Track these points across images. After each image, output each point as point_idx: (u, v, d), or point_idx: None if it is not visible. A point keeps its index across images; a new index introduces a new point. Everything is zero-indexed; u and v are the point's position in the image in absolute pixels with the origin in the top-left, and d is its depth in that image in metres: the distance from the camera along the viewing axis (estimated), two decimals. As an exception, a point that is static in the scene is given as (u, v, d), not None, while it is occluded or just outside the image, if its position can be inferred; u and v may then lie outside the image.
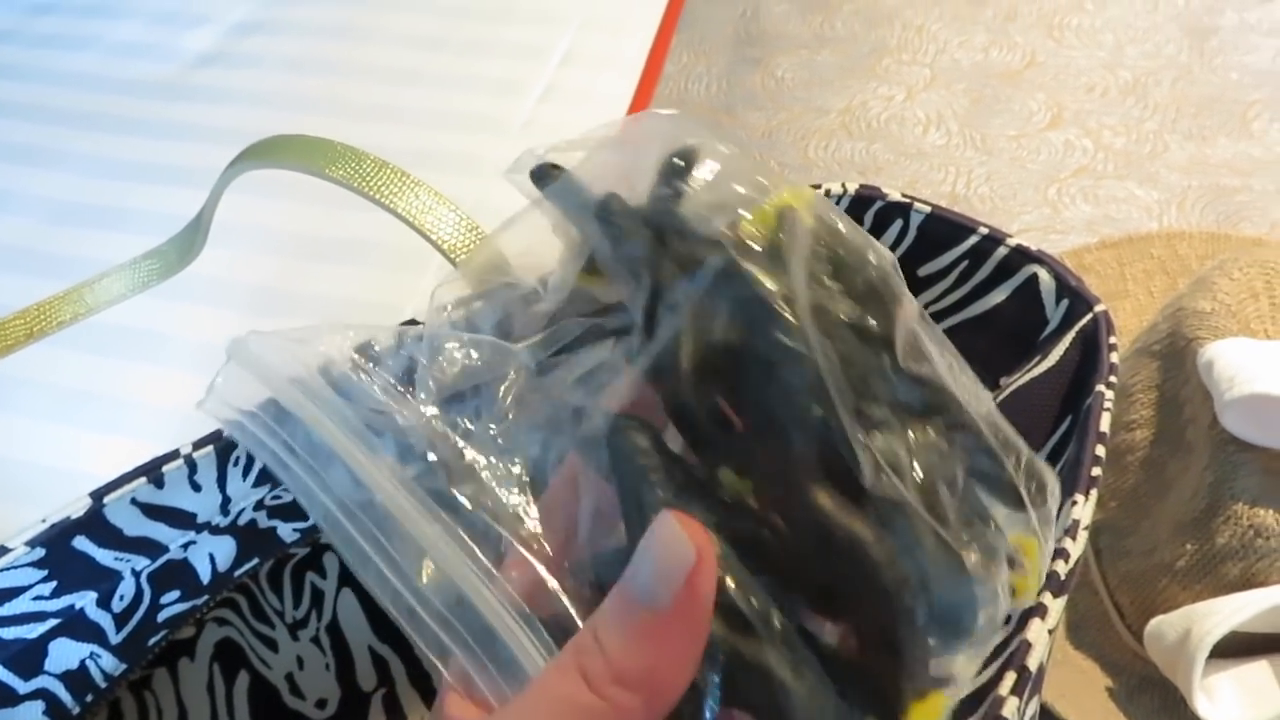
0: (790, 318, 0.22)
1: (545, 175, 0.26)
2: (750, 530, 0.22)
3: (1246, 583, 0.43)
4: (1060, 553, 0.27)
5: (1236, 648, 0.42)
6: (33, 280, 0.54)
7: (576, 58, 0.80)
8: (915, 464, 0.22)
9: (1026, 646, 0.25)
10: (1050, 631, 0.26)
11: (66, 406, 0.61)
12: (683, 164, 0.25)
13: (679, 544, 0.19)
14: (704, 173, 0.25)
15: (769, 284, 0.23)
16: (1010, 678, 0.25)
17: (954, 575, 0.22)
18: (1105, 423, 0.30)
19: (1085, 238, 0.66)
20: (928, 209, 0.37)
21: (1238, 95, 0.75)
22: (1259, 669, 0.42)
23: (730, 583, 0.21)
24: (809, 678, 0.21)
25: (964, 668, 0.22)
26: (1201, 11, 0.82)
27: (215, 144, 0.76)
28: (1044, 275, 0.35)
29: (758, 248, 0.23)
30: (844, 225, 0.25)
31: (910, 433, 0.23)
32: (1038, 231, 0.67)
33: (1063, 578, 0.27)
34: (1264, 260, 0.48)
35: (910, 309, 0.24)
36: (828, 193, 0.37)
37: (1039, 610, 0.26)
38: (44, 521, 0.31)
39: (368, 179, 0.33)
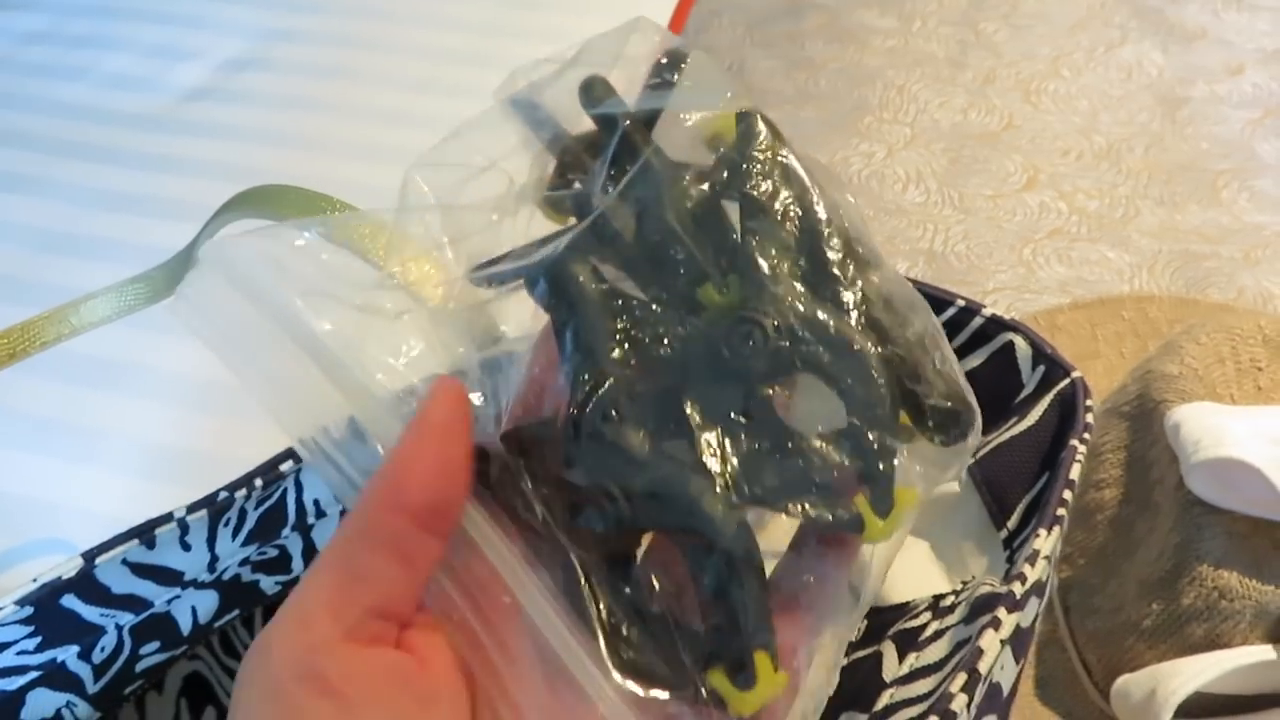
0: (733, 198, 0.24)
1: (524, 103, 0.27)
2: (730, 329, 0.23)
3: (1211, 644, 0.43)
4: (1018, 576, 0.29)
5: (1201, 709, 0.42)
6: (14, 308, 0.54)
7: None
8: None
9: (978, 652, 0.27)
10: (1003, 643, 0.28)
11: (40, 435, 0.61)
12: (670, 62, 0.27)
13: (432, 383, 0.24)
14: (686, 75, 0.27)
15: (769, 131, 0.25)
16: (961, 678, 0.27)
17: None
18: (1075, 472, 0.33)
19: (1058, 298, 0.67)
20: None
21: (1207, 164, 0.77)
22: (1222, 730, 0.42)
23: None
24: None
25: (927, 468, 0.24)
26: (1174, 82, 0.84)
27: (203, 178, 0.76)
28: (1020, 342, 0.37)
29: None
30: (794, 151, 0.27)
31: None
32: (1012, 290, 0.68)
33: (1017, 596, 0.29)
34: (1230, 326, 0.49)
35: (850, 212, 0.26)
36: None
37: (993, 623, 0.28)
38: (35, 581, 0.31)
39: (365, 241, 0.33)
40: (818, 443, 0.23)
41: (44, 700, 0.31)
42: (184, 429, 0.60)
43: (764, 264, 0.23)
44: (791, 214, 0.24)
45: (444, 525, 0.23)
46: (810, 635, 0.24)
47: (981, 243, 0.72)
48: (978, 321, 0.38)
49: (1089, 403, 0.35)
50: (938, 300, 0.39)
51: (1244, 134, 0.79)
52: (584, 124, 0.27)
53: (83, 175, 0.78)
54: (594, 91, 0.27)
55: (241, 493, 0.34)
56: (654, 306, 0.24)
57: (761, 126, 0.25)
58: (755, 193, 0.24)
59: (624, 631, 0.22)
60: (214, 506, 0.34)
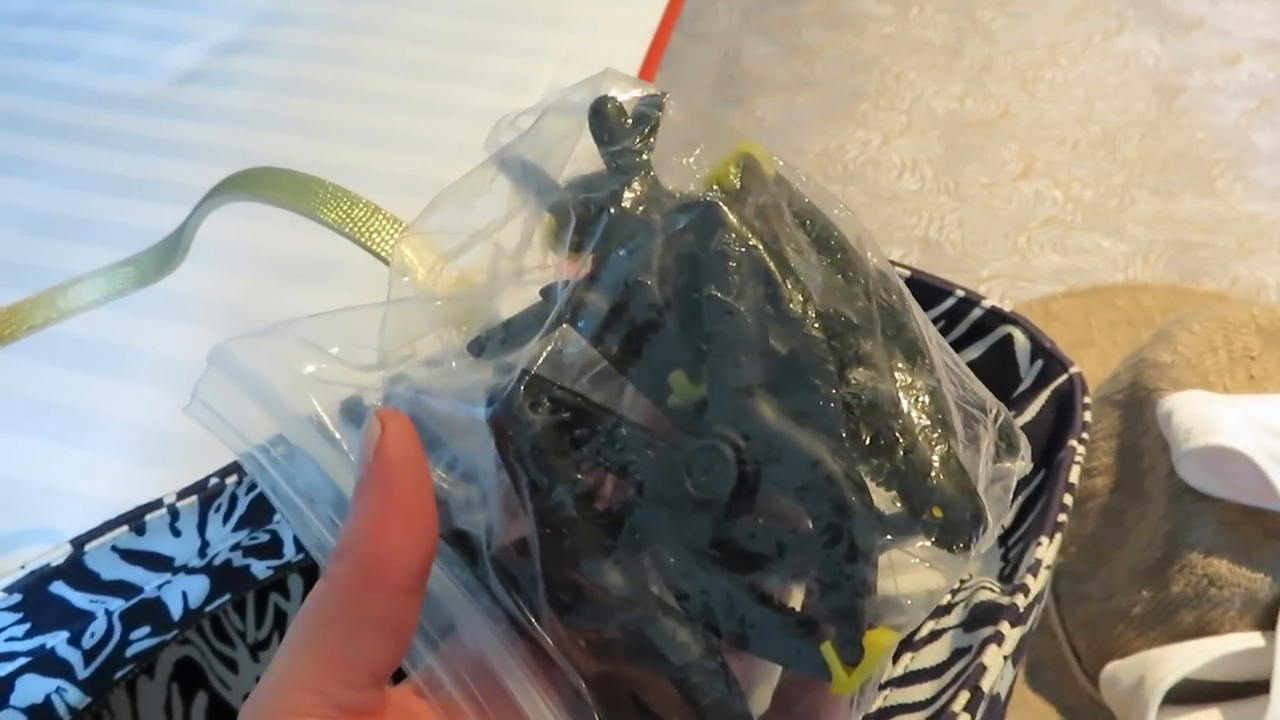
0: (756, 251, 0.22)
1: (513, 162, 0.26)
2: (704, 445, 0.21)
3: (1200, 630, 0.43)
4: (1020, 588, 0.29)
5: (1190, 695, 0.42)
6: (4, 290, 0.54)
7: (560, 87, 0.81)
8: (900, 395, 0.23)
9: (981, 669, 0.27)
10: (1006, 658, 0.27)
11: (30, 417, 0.61)
12: (651, 110, 0.26)
13: (371, 426, 0.22)
14: (670, 120, 0.25)
15: (736, 220, 0.22)
16: (964, 696, 0.26)
17: (960, 482, 0.22)
18: (1075, 475, 0.33)
19: (1053, 286, 0.67)
20: (907, 273, 0.38)
21: (1203, 154, 0.77)
22: (1211, 717, 0.42)
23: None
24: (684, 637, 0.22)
25: (921, 592, 0.22)
26: (1170, 71, 0.84)
27: (196, 161, 0.76)
28: (1019, 336, 0.37)
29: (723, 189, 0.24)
30: (804, 179, 0.25)
31: (892, 363, 0.23)
32: (1006, 279, 0.69)
33: (1020, 610, 0.28)
34: (1223, 315, 0.49)
35: (878, 261, 0.25)
36: None
37: (996, 638, 0.27)
38: (23, 568, 0.31)
39: (359, 225, 0.33)
40: (784, 582, 0.22)
41: (34, 686, 0.31)
42: (176, 413, 0.59)
43: (729, 371, 0.22)
44: (763, 310, 0.22)
45: (422, 580, 0.22)
46: None
47: (976, 231, 0.72)
48: (977, 313, 0.38)
49: (1087, 400, 0.34)
50: (936, 290, 0.38)
51: (1240, 124, 0.79)
52: (571, 165, 0.26)
53: (74, 157, 0.77)
54: (606, 117, 0.25)
55: (232, 478, 0.34)
56: (620, 428, 0.22)
57: (728, 217, 0.22)
58: (720, 292, 0.22)
59: None
60: (205, 492, 0.34)
